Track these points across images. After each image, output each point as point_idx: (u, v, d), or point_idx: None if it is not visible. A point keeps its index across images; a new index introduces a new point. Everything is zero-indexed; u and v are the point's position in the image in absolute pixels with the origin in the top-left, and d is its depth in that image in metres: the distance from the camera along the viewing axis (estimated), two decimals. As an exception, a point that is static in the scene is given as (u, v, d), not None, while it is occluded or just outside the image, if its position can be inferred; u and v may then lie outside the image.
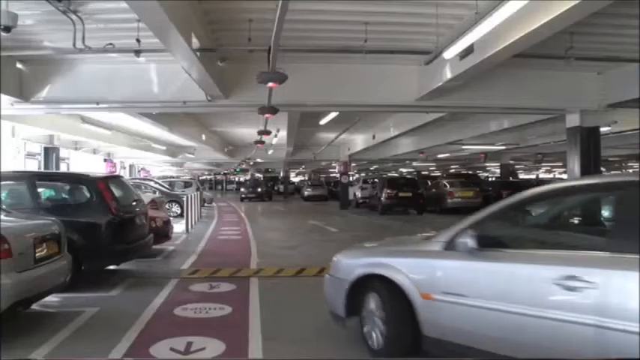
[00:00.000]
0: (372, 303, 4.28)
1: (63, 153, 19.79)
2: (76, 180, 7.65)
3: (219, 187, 68.60)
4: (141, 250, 7.86)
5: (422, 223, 17.83)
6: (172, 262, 9.54)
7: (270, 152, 27.42)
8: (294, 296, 6.94)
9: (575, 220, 4.16)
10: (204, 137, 18.86)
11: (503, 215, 3.92)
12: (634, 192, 3.13)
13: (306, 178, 60.38)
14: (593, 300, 2.89)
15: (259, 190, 36.55)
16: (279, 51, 5.78)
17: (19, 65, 8.04)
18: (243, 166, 45.05)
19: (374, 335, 4.23)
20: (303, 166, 53.13)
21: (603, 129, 10.55)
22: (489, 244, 3.56)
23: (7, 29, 4.30)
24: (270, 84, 6.21)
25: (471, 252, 3.56)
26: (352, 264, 4.62)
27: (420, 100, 8.48)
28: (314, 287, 7.48)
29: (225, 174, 64.30)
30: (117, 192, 7.72)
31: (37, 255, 5.05)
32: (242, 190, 39.35)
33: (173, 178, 45.17)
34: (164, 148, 21.95)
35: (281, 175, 48.49)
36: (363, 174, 54.15)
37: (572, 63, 6.91)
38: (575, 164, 9.63)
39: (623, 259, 2.85)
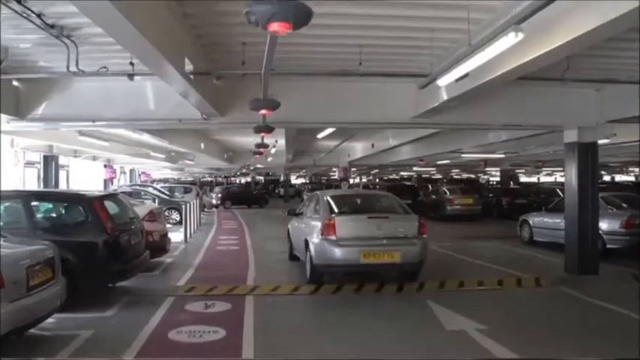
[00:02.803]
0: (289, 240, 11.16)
1: (62, 160, 19.81)
2: (72, 199, 7.65)
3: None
4: (137, 269, 7.85)
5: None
6: (169, 277, 9.52)
7: (269, 159, 27.40)
8: (289, 317, 6.92)
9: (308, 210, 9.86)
10: (203, 146, 18.91)
11: (301, 205, 11.14)
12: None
13: (307, 181, 60.37)
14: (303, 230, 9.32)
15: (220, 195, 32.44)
16: (272, 75, 5.77)
17: (15, 83, 8.03)
18: (244, 171, 45.04)
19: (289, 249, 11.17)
20: (304, 170, 53.13)
21: (602, 141, 10.52)
22: (297, 213, 10.40)
23: (-1, 62, 4.32)
24: (263, 111, 6.20)
25: (291, 215, 10.92)
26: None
27: (416, 118, 8.46)
28: (309, 306, 7.50)
29: (225, 177, 64.30)
30: (113, 210, 7.71)
31: (30, 283, 5.03)
32: (212, 195, 34.24)
33: (174, 180, 45.26)
34: (163, 156, 22.02)
35: (282, 178, 48.45)
36: (364, 178, 54.14)
37: (569, 84, 6.89)
38: (572, 177, 9.59)
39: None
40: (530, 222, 13.84)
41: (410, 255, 7.99)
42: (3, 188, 13.34)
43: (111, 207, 7.72)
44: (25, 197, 7.37)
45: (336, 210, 8.67)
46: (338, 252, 7.85)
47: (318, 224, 8.35)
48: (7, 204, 7.38)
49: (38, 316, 5.25)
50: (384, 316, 6.83)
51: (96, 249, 7.02)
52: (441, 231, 18.53)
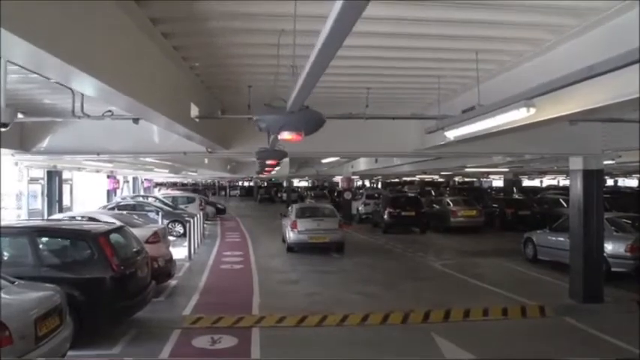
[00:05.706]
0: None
1: (66, 174, 19.84)
2: (77, 236, 7.62)
3: (223, 192, 68.76)
4: (144, 303, 7.81)
5: (424, 247, 17.74)
6: (175, 304, 9.47)
7: (272, 172, 27.37)
8: (295, 354, 6.91)
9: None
10: (206, 161, 18.95)
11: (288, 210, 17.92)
12: None
13: (310, 185, 60.27)
14: (285, 225, 17.05)
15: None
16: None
17: (20, 115, 8.03)
18: (247, 177, 45.18)
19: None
20: (307, 177, 53.11)
21: (607, 162, 10.49)
22: (286, 215, 17.41)
23: (5, 125, 4.32)
24: (270, 161, 6.21)
25: (282, 216, 18.23)
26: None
27: (420, 150, 8.45)
28: (314, 339, 7.49)
29: (229, 181, 64.49)
30: (118, 244, 7.69)
31: (38, 334, 5.01)
32: None
33: (176, 185, 45.23)
34: (166, 170, 22.09)
35: (284, 184, 48.57)
36: (367, 182, 54.03)
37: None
38: (578, 204, 9.54)
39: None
40: (535, 240, 13.83)
41: (334, 238, 15.45)
42: (5, 203, 13.45)
43: (116, 240, 7.72)
44: (30, 233, 7.38)
45: (299, 215, 15.98)
46: (299, 236, 15.36)
47: (289, 222, 15.79)
48: (11, 240, 7.39)
49: (47, 366, 5.23)
50: (388, 353, 6.85)
51: (102, 286, 6.99)
52: (443, 245, 18.51)
